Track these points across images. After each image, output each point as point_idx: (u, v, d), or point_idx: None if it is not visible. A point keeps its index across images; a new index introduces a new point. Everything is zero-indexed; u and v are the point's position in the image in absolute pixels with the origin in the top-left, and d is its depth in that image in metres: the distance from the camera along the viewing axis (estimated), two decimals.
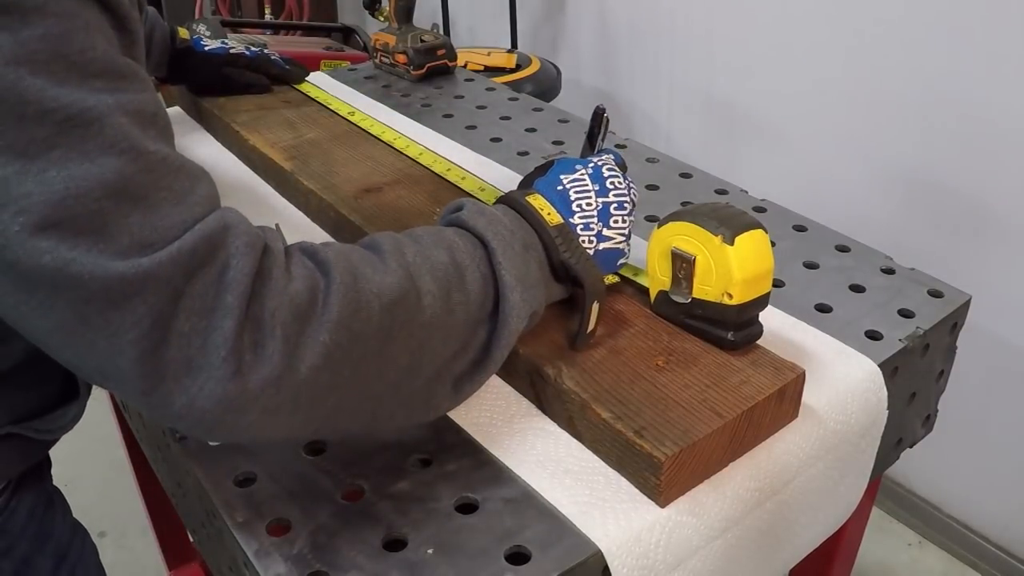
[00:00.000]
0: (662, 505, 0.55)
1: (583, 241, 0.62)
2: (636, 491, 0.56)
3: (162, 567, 1.49)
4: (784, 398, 0.60)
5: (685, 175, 0.97)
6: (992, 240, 1.41)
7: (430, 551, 0.53)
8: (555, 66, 1.98)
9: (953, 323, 0.76)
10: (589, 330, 0.62)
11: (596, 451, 0.59)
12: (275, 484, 0.58)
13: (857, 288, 0.77)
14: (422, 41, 1.25)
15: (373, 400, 0.51)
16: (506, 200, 0.63)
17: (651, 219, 0.86)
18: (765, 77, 1.70)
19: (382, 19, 1.29)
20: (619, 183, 0.65)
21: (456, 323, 0.53)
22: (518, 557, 0.52)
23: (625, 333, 0.65)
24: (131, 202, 0.43)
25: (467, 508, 0.56)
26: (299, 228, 0.88)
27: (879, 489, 0.89)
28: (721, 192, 0.93)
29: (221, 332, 0.44)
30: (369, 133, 1.02)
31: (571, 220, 0.62)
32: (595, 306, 0.61)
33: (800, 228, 0.86)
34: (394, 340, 0.50)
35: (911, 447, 0.81)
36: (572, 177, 0.64)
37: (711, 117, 1.86)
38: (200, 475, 0.59)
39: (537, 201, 0.62)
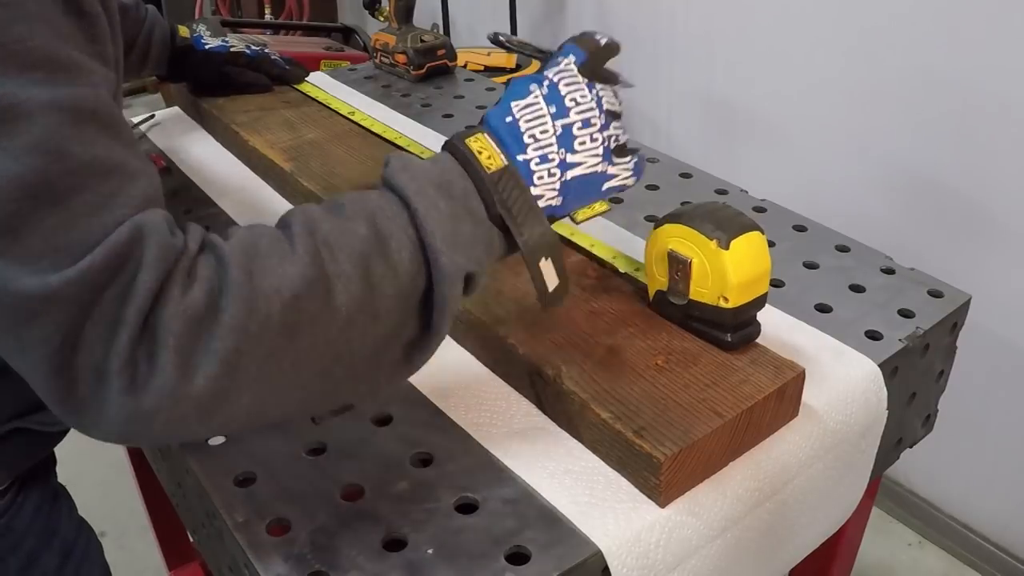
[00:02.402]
0: (662, 505, 0.55)
1: (541, 176, 0.55)
2: (636, 491, 0.56)
3: (162, 567, 1.49)
4: (784, 397, 0.60)
5: (685, 175, 0.97)
6: (992, 240, 1.41)
7: (430, 551, 0.53)
8: None
9: (953, 323, 0.76)
10: (552, 288, 0.55)
11: (596, 451, 0.59)
12: (275, 484, 0.58)
13: (857, 288, 0.77)
14: (422, 41, 1.25)
15: (301, 389, 0.48)
16: (447, 145, 0.56)
17: (650, 219, 0.86)
18: (765, 77, 1.70)
19: (382, 19, 1.29)
20: (582, 97, 0.56)
21: (384, 298, 0.49)
22: (518, 557, 0.52)
23: (625, 333, 0.65)
24: (49, 205, 0.42)
25: (467, 508, 0.56)
26: None
27: (879, 489, 0.89)
28: (721, 192, 0.93)
29: (118, 344, 0.43)
30: (371, 132, 1.02)
31: (523, 156, 0.54)
32: (546, 262, 0.54)
33: (800, 228, 0.86)
34: (304, 332, 0.46)
35: (911, 447, 0.81)
36: (523, 103, 0.56)
37: (711, 117, 1.86)
38: (200, 475, 0.59)
39: (478, 143, 0.54)
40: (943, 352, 0.77)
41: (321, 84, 1.20)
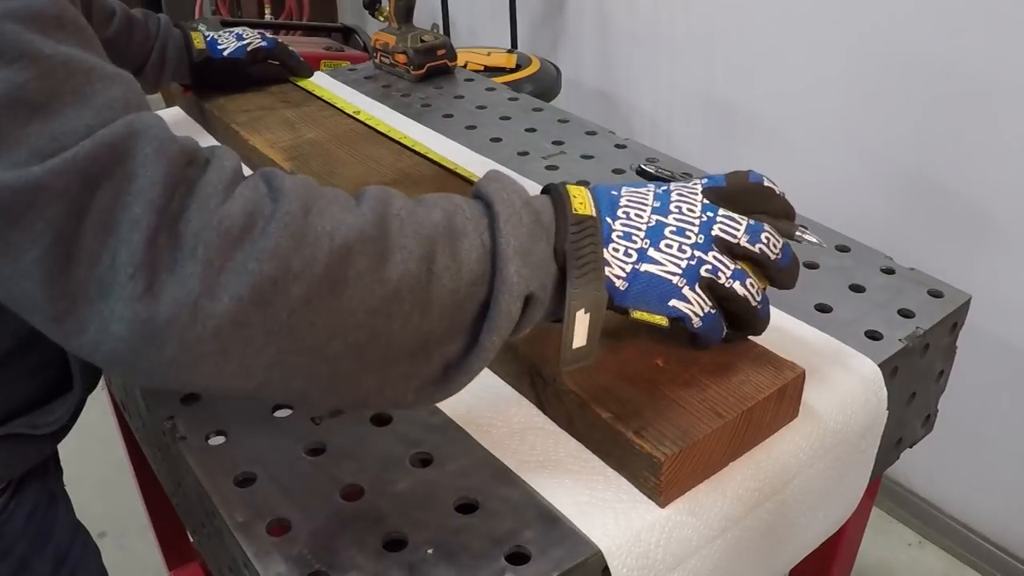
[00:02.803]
0: (662, 505, 0.55)
1: (617, 248, 0.53)
2: (636, 491, 0.56)
3: (162, 567, 1.49)
4: (784, 397, 0.60)
5: (685, 175, 0.97)
6: (992, 240, 1.41)
7: (430, 551, 0.53)
8: (555, 66, 1.98)
9: (953, 323, 0.76)
10: (576, 345, 0.53)
11: (596, 451, 0.59)
12: (275, 484, 0.58)
13: (857, 288, 0.77)
14: (422, 41, 1.25)
15: (329, 362, 0.45)
16: (545, 186, 0.56)
17: None
18: (765, 77, 1.70)
19: (382, 19, 1.30)
20: (688, 210, 0.55)
21: (440, 292, 0.46)
22: (518, 557, 0.52)
23: (625, 332, 0.65)
24: (28, 111, 0.41)
25: (467, 508, 0.56)
26: None
27: (879, 489, 0.89)
28: None
29: (128, 247, 0.40)
30: (376, 130, 1.02)
31: (610, 220, 0.54)
32: (582, 316, 0.52)
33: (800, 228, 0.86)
34: (347, 291, 0.43)
35: (911, 447, 0.81)
36: (632, 188, 0.56)
37: (711, 117, 1.86)
38: (200, 475, 0.59)
39: (576, 190, 0.54)
40: (943, 352, 0.77)
41: (321, 84, 1.20)
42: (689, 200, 0.56)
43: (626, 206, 0.55)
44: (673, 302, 0.54)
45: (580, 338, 0.52)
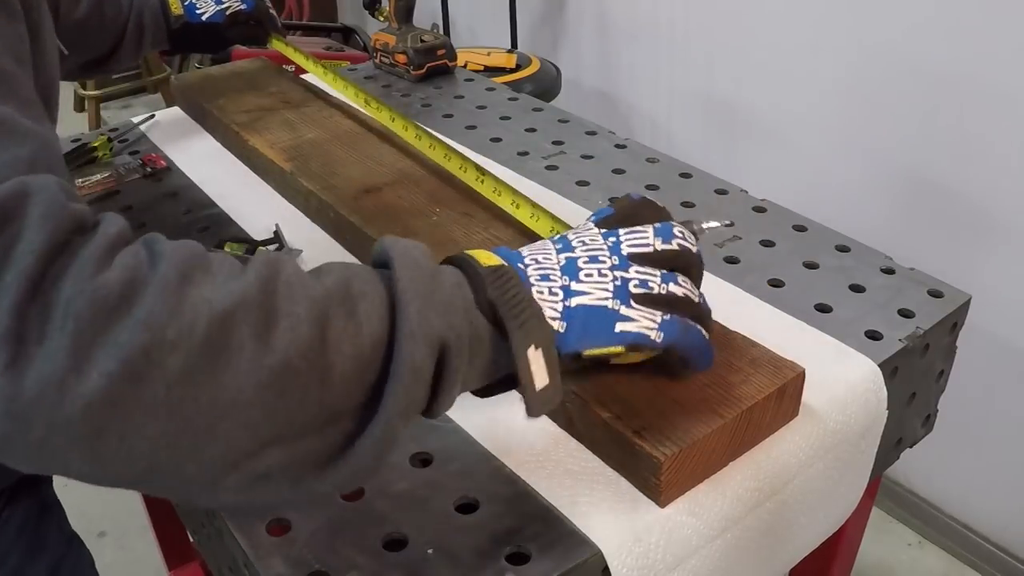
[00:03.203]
0: (662, 505, 0.55)
1: (541, 291, 0.50)
2: (636, 491, 0.56)
3: (162, 567, 1.49)
4: (784, 397, 0.60)
5: (685, 175, 0.97)
6: (992, 240, 1.41)
7: (430, 551, 0.53)
8: (555, 66, 1.98)
9: (953, 323, 0.76)
10: (540, 386, 0.48)
11: (596, 451, 0.59)
12: None
13: (857, 288, 0.77)
14: (422, 41, 1.25)
15: (221, 442, 0.40)
16: (444, 259, 0.52)
17: None
18: (765, 77, 1.70)
19: (382, 19, 1.30)
20: (591, 240, 0.54)
21: (338, 359, 0.42)
22: (518, 557, 0.52)
23: None
24: None
25: (467, 508, 0.56)
26: (299, 228, 0.88)
27: (879, 489, 0.89)
28: (721, 192, 0.93)
29: None
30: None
31: (522, 265, 0.51)
32: (535, 353, 0.48)
33: (800, 228, 0.86)
34: (231, 362, 0.39)
35: (911, 447, 0.81)
36: (530, 245, 0.54)
37: (711, 117, 1.86)
38: None
39: (476, 252, 0.51)
40: (943, 352, 0.77)
41: (322, 84, 1.20)
42: (587, 234, 0.54)
43: (531, 254, 0.52)
44: (619, 326, 0.51)
45: (541, 378, 0.48)
